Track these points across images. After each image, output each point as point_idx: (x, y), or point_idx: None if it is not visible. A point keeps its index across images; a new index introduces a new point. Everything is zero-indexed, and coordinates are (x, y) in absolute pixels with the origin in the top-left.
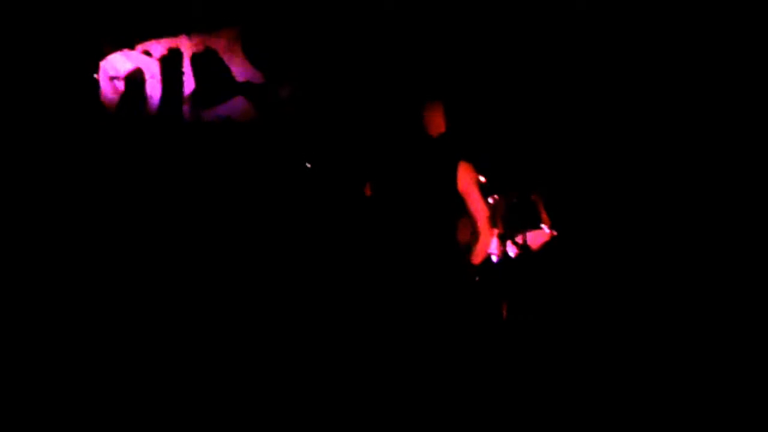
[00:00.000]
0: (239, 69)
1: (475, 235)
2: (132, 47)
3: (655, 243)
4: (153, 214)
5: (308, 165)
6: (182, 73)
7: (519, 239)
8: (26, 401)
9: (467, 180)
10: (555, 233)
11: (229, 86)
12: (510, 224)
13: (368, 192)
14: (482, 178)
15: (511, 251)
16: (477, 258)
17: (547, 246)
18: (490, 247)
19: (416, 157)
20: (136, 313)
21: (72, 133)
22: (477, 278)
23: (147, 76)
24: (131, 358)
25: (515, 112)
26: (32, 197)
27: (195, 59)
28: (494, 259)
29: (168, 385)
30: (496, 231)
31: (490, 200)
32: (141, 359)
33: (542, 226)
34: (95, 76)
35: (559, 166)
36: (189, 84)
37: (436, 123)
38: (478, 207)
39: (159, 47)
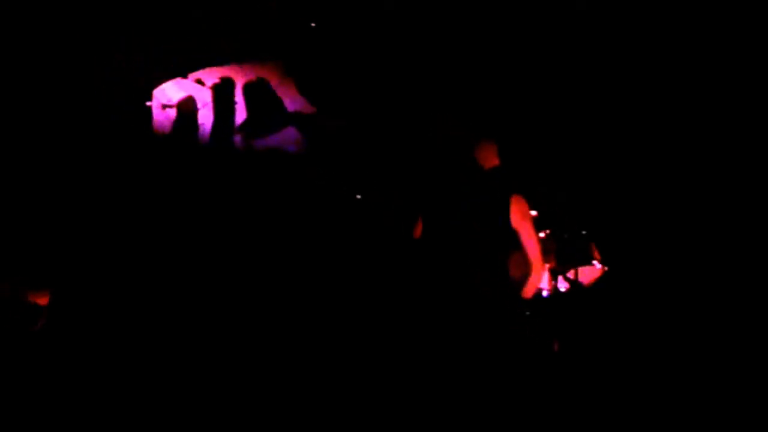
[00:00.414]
0: (291, 99)
1: (527, 269)
2: (185, 76)
3: (710, 285)
4: (201, 240)
5: (359, 197)
6: (234, 103)
7: (570, 274)
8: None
9: (520, 214)
10: (606, 269)
11: (280, 116)
12: (561, 259)
13: (419, 228)
14: (534, 212)
15: (562, 286)
16: (528, 292)
17: (598, 281)
18: (541, 281)
19: (469, 191)
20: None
21: (125, 160)
22: (527, 312)
23: (199, 105)
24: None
25: (567, 147)
26: (84, 220)
27: (247, 89)
28: (545, 294)
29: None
30: (547, 266)
31: (542, 234)
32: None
33: (594, 261)
34: (148, 104)
35: (610, 201)
36: (241, 113)
37: (489, 157)
38: (531, 241)
39: (211, 76)
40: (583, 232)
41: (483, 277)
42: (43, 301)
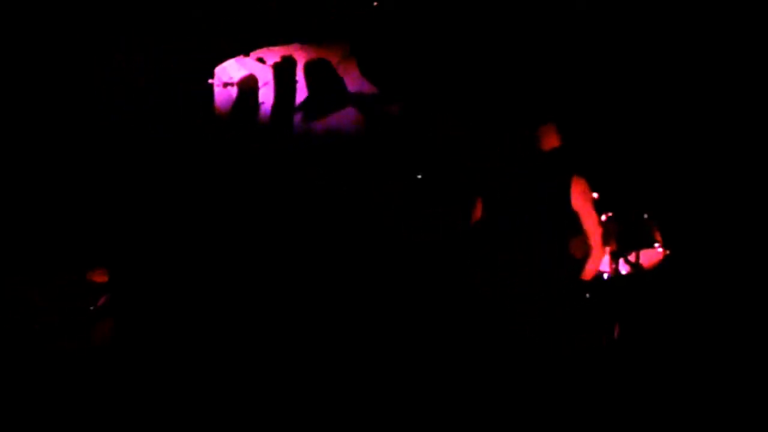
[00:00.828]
0: (352, 80)
1: (587, 251)
2: (246, 54)
3: None
4: (261, 216)
5: (419, 176)
6: (295, 82)
7: (632, 257)
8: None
9: (581, 195)
10: (668, 252)
11: (341, 96)
12: (623, 242)
13: (479, 209)
14: (595, 195)
15: (623, 269)
16: (588, 274)
17: (660, 265)
18: (602, 264)
19: (529, 173)
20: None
21: (188, 137)
22: (587, 294)
23: (260, 83)
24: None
25: (630, 129)
26: (141, 200)
27: (308, 68)
28: (606, 276)
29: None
30: (608, 248)
31: (603, 217)
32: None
33: (656, 244)
34: (209, 81)
35: (673, 184)
36: (301, 92)
37: (550, 139)
38: (591, 223)
39: (273, 55)
40: (646, 215)
41: (543, 259)
42: (102, 279)
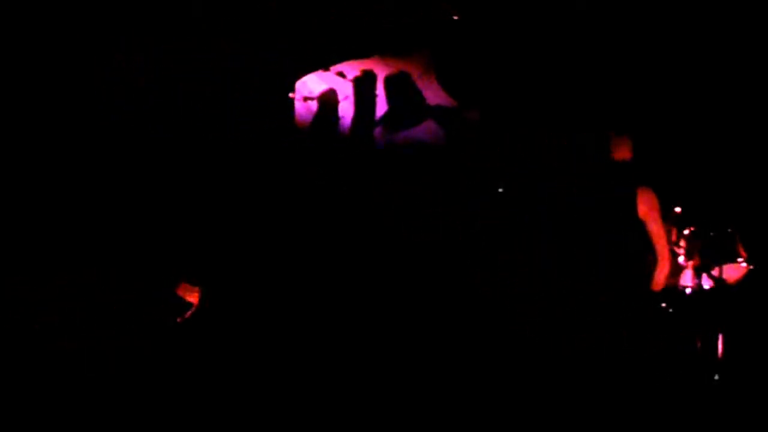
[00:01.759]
0: (432, 93)
1: (654, 261)
2: (327, 68)
3: None
4: (340, 231)
5: (500, 190)
6: (375, 95)
7: (715, 272)
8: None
9: (647, 206)
10: (752, 267)
11: (421, 110)
12: (706, 256)
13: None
14: (678, 209)
15: (706, 284)
16: (657, 285)
17: (743, 280)
18: (684, 278)
19: (600, 183)
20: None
21: (266, 152)
22: (664, 306)
23: (340, 98)
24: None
25: (714, 143)
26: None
27: (388, 82)
28: (688, 291)
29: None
30: (691, 263)
31: (686, 231)
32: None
33: (739, 259)
34: (290, 96)
35: (758, 198)
36: (381, 106)
37: (622, 150)
38: (658, 233)
39: (353, 69)
40: (729, 230)
41: (608, 269)
42: (192, 297)
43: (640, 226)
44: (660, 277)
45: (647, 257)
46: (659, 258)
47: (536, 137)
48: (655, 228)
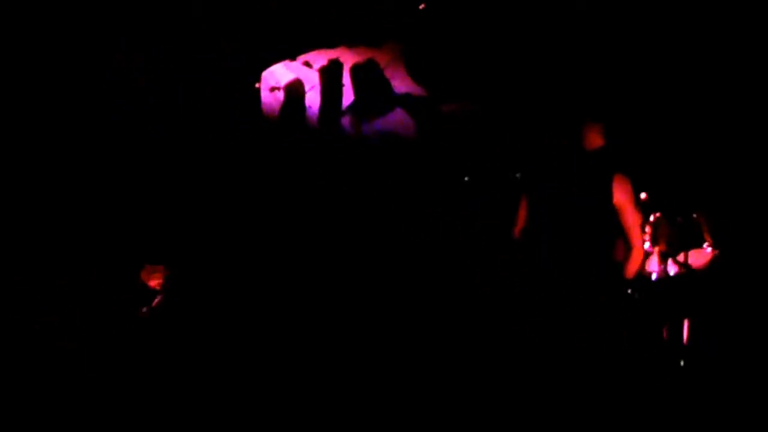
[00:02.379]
0: (400, 83)
1: (627, 249)
2: (293, 58)
3: None
4: (307, 219)
5: (466, 179)
6: (342, 85)
7: (680, 258)
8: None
9: (623, 194)
10: (717, 252)
11: (388, 99)
12: (672, 242)
13: (523, 208)
14: (643, 195)
15: (672, 270)
16: (630, 273)
17: (709, 266)
18: (650, 264)
19: (572, 171)
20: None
21: (235, 140)
22: (632, 293)
23: (307, 87)
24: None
25: (678, 129)
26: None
27: (355, 71)
28: (654, 277)
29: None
30: (657, 248)
31: (652, 217)
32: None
33: (705, 245)
34: (256, 85)
35: (722, 184)
36: (348, 96)
37: (595, 138)
38: (631, 222)
39: (320, 58)
40: (695, 215)
41: (582, 257)
42: (155, 283)
43: (615, 215)
44: (633, 266)
45: (620, 246)
46: (633, 247)
47: (505, 126)
48: (630, 217)
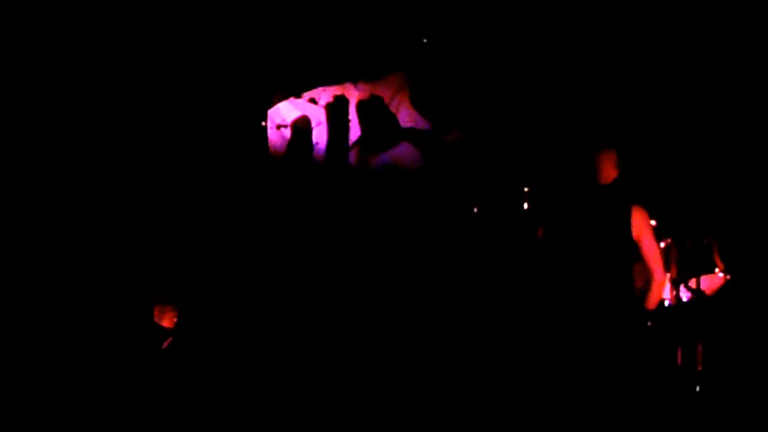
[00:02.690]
0: (405, 116)
1: (649, 280)
2: (298, 96)
3: None
4: (319, 256)
5: (475, 210)
6: (348, 121)
7: (692, 284)
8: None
9: (641, 225)
10: (729, 277)
11: (395, 133)
12: (684, 268)
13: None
14: (653, 222)
15: (684, 296)
16: (651, 304)
17: (721, 291)
18: (664, 292)
19: (588, 203)
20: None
21: (240, 179)
22: (650, 323)
23: (313, 124)
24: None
25: (687, 154)
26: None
27: (361, 106)
28: (666, 303)
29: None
30: (668, 275)
31: (662, 244)
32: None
33: (716, 270)
34: (263, 124)
35: (732, 209)
36: (355, 131)
37: (608, 169)
38: (653, 252)
39: (325, 95)
40: (705, 241)
41: (604, 289)
42: (168, 323)
43: (635, 247)
44: (655, 297)
45: (640, 277)
46: (654, 278)
47: (516, 158)
48: (650, 249)
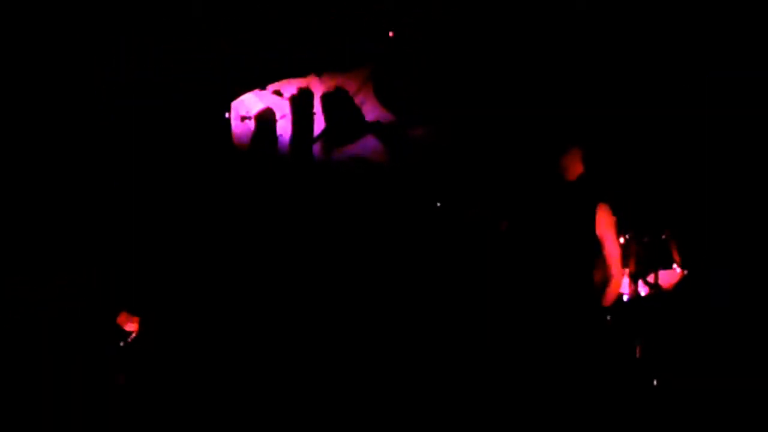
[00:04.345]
0: (370, 109)
1: (607, 276)
2: (263, 87)
3: None
4: (283, 250)
5: (439, 204)
6: (313, 113)
7: (650, 278)
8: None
9: (605, 222)
10: (686, 272)
11: (359, 126)
12: (642, 263)
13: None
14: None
15: (643, 290)
16: (608, 300)
17: (678, 285)
18: (621, 286)
19: (553, 199)
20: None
21: (205, 171)
22: (608, 318)
23: (278, 116)
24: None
25: (644, 149)
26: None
27: (326, 99)
28: (625, 298)
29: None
30: (627, 270)
31: (621, 239)
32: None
33: (674, 265)
34: (226, 115)
35: (690, 204)
36: (319, 124)
37: (575, 165)
38: (613, 250)
39: (290, 87)
40: (663, 236)
41: (565, 285)
42: (132, 327)
43: (598, 244)
44: (612, 294)
45: (599, 273)
46: (613, 275)
47: (481, 152)
48: (611, 247)
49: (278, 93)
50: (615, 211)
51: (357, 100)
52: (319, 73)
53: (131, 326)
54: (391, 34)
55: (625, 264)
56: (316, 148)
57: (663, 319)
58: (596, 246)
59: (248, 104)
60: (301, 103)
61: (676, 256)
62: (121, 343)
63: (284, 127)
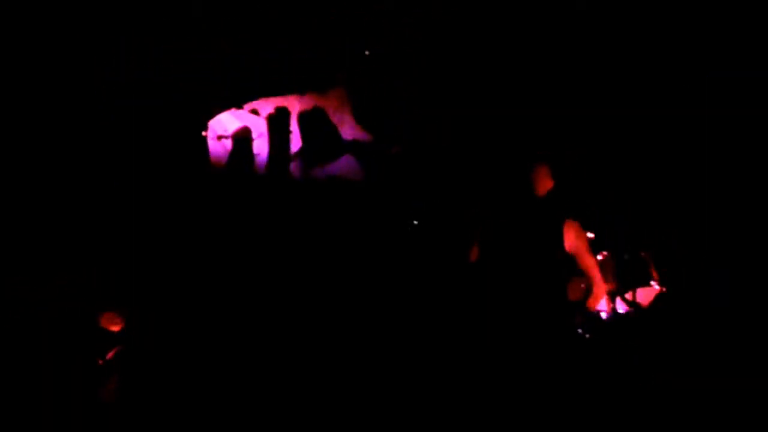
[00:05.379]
0: (348, 128)
1: (588, 291)
2: (240, 106)
3: None
4: (262, 267)
5: (415, 222)
6: (290, 132)
7: (629, 296)
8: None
9: (575, 238)
10: (665, 289)
11: (336, 144)
12: (620, 281)
13: (475, 252)
14: (591, 234)
15: (621, 308)
16: (592, 306)
17: (657, 302)
18: (599, 303)
19: (524, 216)
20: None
21: (181, 190)
22: (580, 331)
23: (254, 135)
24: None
25: (624, 168)
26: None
27: (303, 118)
28: (604, 315)
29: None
30: (606, 287)
31: (599, 257)
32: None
33: (652, 282)
34: (203, 134)
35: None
36: (296, 142)
37: (544, 180)
38: (591, 265)
39: (267, 106)
40: (641, 254)
41: (540, 301)
42: (116, 328)
43: (570, 259)
44: (596, 300)
45: (575, 287)
46: (595, 285)
47: (455, 170)
48: (587, 259)
49: (255, 112)
50: (593, 228)
51: (334, 120)
52: (296, 92)
53: (115, 327)
54: (367, 53)
55: (604, 282)
56: (293, 166)
57: (641, 336)
58: (569, 262)
59: (225, 123)
60: (277, 122)
61: (654, 274)
62: (109, 344)
63: (261, 146)
